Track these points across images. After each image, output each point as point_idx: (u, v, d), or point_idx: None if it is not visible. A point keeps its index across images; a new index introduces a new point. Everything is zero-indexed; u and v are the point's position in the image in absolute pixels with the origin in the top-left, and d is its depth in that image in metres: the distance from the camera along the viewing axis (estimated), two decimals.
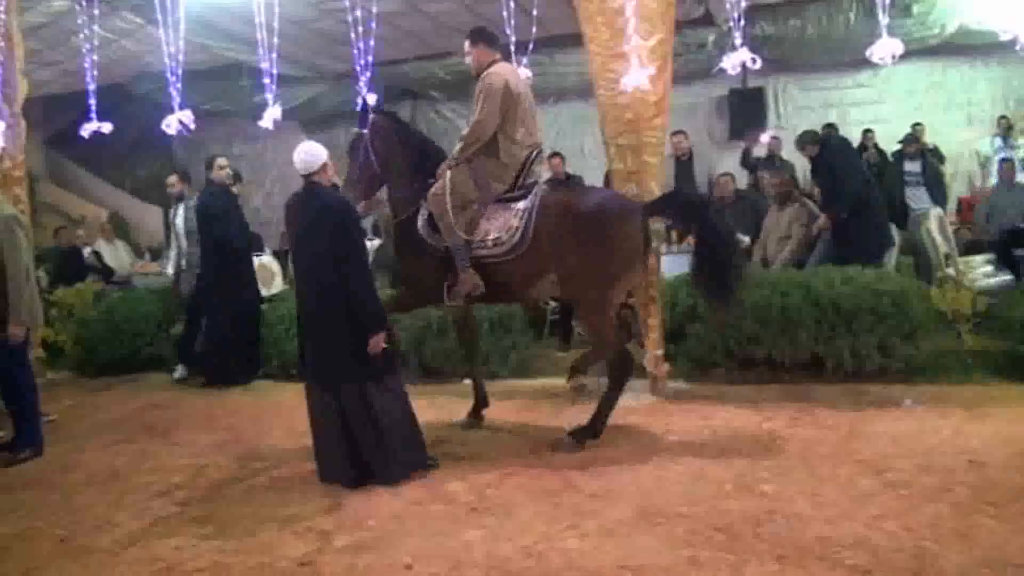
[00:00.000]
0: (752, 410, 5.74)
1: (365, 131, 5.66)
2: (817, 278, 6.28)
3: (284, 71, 11.69)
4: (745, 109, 12.81)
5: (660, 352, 6.11)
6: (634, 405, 5.98)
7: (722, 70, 5.81)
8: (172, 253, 8.47)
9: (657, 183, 5.91)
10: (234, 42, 10.00)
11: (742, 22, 5.80)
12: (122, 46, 9.86)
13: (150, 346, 8.32)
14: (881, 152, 11.67)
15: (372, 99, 7.74)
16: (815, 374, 6.27)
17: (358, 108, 6.07)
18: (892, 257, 7.52)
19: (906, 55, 12.56)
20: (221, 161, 7.81)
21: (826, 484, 4.40)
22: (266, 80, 7.35)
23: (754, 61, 5.77)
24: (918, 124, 11.95)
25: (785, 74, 13.21)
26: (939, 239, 8.03)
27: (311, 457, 5.11)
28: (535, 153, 5.55)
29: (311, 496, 4.72)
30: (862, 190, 7.31)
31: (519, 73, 5.59)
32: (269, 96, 7.39)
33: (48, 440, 6.14)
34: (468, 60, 5.57)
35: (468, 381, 6.84)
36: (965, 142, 12.60)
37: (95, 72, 7.95)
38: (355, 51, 7.38)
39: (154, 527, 4.50)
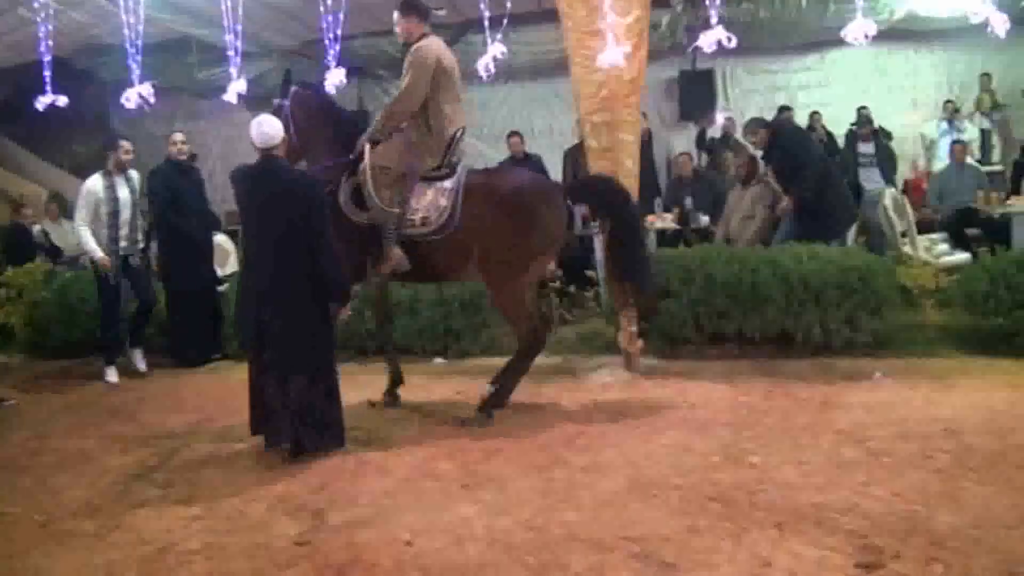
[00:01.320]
0: (726, 384, 5.82)
1: (286, 102, 5.56)
2: (784, 255, 6.38)
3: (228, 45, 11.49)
4: (694, 91, 12.90)
5: (634, 329, 6.14)
6: (610, 381, 6.04)
7: (698, 48, 5.83)
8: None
9: (633, 160, 5.93)
10: (183, 14, 9.72)
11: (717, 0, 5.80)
12: (71, 17, 9.52)
13: None
14: (829, 134, 11.89)
15: (340, 74, 7.59)
16: (784, 349, 6.38)
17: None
18: (850, 235, 7.68)
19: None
20: (175, 136, 7.58)
21: (810, 454, 4.48)
22: (230, 52, 7.18)
23: (729, 40, 5.80)
24: (864, 107, 12.15)
25: (734, 57, 13.26)
26: (895, 217, 8.21)
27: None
28: (460, 132, 5.53)
29: (296, 475, 4.65)
30: (820, 168, 7.44)
31: (448, 50, 5.53)
32: (233, 70, 7.24)
33: (11, 424, 5.97)
34: (397, 31, 5.51)
35: (438, 360, 6.88)
36: (909, 125, 12.86)
37: (46, 44, 7.58)
38: (324, 23, 7.17)
39: (138, 509, 4.38)
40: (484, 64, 6.71)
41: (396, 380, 5.94)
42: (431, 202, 5.32)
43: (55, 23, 8.80)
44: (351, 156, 5.48)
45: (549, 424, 5.22)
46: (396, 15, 5.49)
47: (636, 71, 5.83)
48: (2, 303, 8.50)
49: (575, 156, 9.27)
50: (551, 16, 10.92)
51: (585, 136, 6.02)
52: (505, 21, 7.38)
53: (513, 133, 9.95)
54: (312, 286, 4.83)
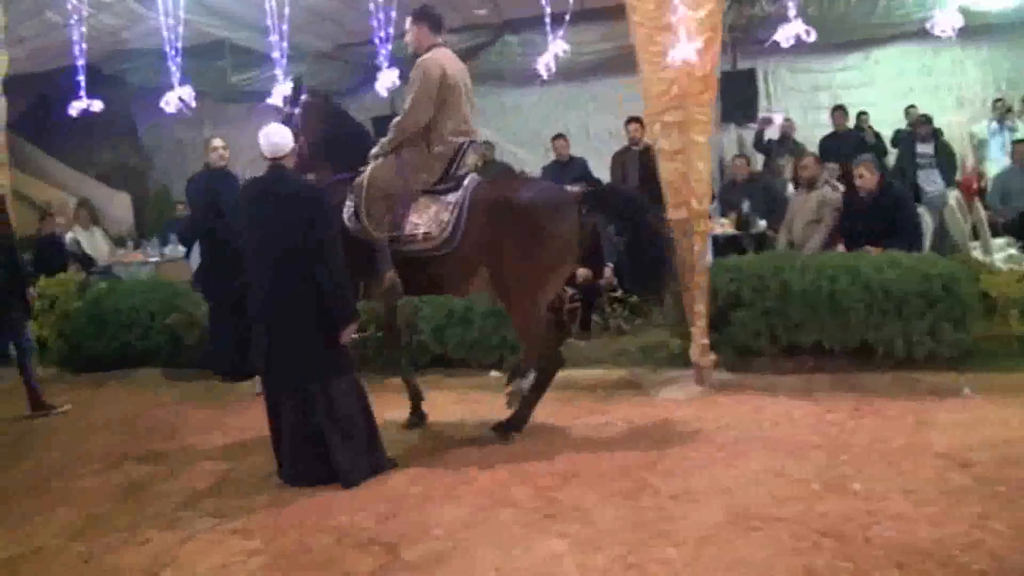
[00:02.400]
0: (808, 401, 5.45)
1: (296, 111, 5.37)
2: (864, 262, 5.99)
3: (264, 49, 11.19)
4: (736, 91, 12.49)
5: (706, 341, 5.78)
6: (681, 398, 5.69)
7: (775, 43, 5.51)
8: None
9: (705, 162, 5.57)
10: (219, 17, 9.43)
11: None
12: (100, 21, 9.25)
13: (141, 340, 7.77)
14: (877, 135, 11.50)
15: (392, 75, 7.28)
16: (862, 362, 5.99)
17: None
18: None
19: (896, 38, 12.53)
20: (215, 142, 7.25)
21: (915, 481, 4.11)
22: (275, 54, 6.87)
23: (808, 33, 5.48)
24: (912, 107, 11.79)
25: (775, 56, 12.91)
26: (962, 220, 7.84)
27: None
28: (467, 144, 5.30)
29: (359, 504, 4.31)
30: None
31: (458, 61, 5.29)
32: (279, 71, 6.93)
33: (46, 442, 5.67)
34: (408, 39, 5.33)
35: (494, 373, 6.54)
36: (955, 125, 12.45)
37: (80, 47, 7.29)
38: (374, 21, 6.86)
39: (189, 543, 4.06)
40: (544, 62, 6.36)
41: (416, 400, 5.67)
42: (433, 217, 5.09)
43: (82, 28, 8.57)
44: (360, 170, 5.28)
45: (625, 445, 4.88)
46: (408, 21, 5.32)
47: (709, 68, 5.47)
48: (35, 315, 8.17)
49: (623, 159, 8.95)
50: (589, 16, 10.75)
51: (654, 137, 5.67)
52: (568, 17, 6.99)
53: (558, 136, 9.66)
54: (318, 302, 4.58)
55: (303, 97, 5.42)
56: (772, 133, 10.87)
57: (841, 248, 6.85)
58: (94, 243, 10.37)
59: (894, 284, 5.80)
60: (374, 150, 5.30)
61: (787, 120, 10.89)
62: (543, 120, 13.34)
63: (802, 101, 12.91)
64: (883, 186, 6.79)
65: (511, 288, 5.06)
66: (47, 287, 8.35)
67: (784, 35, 5.50)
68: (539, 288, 5.04)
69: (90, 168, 14.73)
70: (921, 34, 12.19)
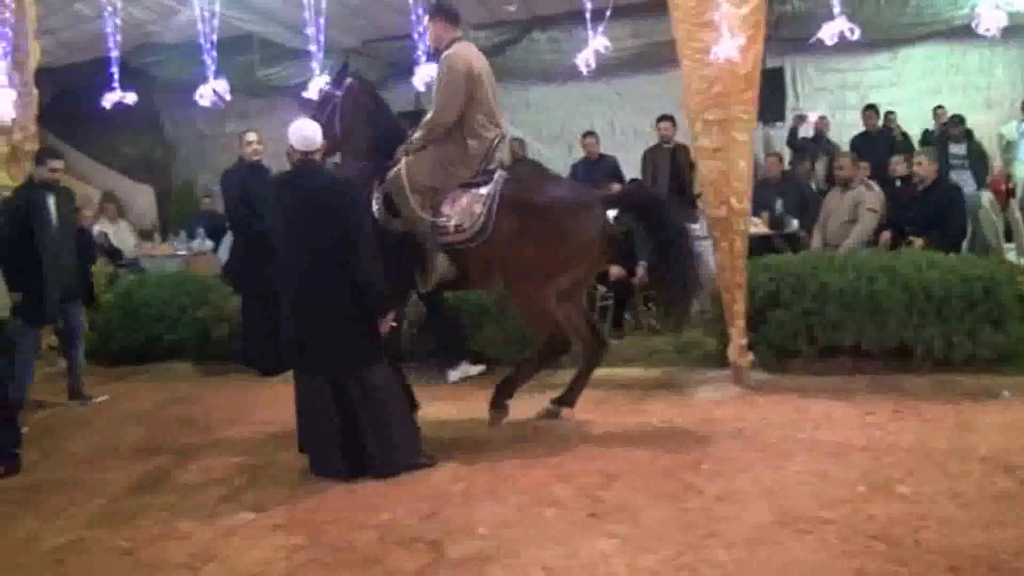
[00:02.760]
0: (847, 402, 5.39)
1: (338, 92, 5.32)
2: (903, 262, 5.93)
3: (294, 44, 11.17)
4: (763, 90, 12.39)
5: (744, 341, 5.73)
6: (719, 398, 5.64)
7: (803, 41, 5.46)
8: None
9: (746, 161, 5.51)
10: (249, 11, 9.41)
11: None
12: (129, 14, 9.23)
13: (171, 333, 7.75)
14: (904, 135, 11.39)
15: (431, 70, 7.22)
16: (899, 363, 5.92)
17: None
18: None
19: (925, 37, 12.40)
20: (249, 136, 7.23)
21: (961, 484, 4.05)
22: (311, 47, 6.84)
23: (852, 31, 5.42)
24: (940, 107, 11.69)
25: (803, 55, 12.82)
26: (997, 222, 7.76)
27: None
28: (498, 140, 5.29)
29: (401, 500, 4.27)
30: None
31: (481, 54, 5.25)
32: (315, 64, 6.90)
33: (77, 435, 5.67)
34: (428, 35, 5.32)
35: None
36: (983, 125, 12.33)
37: (114, 39, 7.27)
38: (415, 15, 6.83)
39: (230, 537, 4.03)
40: (584, 58, 6.30)
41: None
42: (466, 209, 5.08)
43: (116, 20, 8.56)
44: (387, 163, 5.26)
45: (666, 445, 4.82)
46: (426, 18, 5.32)
47: (751, 65, 5.42)
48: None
49: (654, 157, 8.89)
50: (617, 13, 10.67)
51: (695, 135, 5.61)
52: (609, 12, 6.93)
53: (588, 133, 9.60)
54: (353, 292, 4.59)
55: (348, 80, 5.37)
56: (806, 131, 10.77)
57: (887, 235, 6.82)
58: (120, 236, 10.36)
59: (934, 285, 5.74)
60: (404, 146, 5.25)
61: (821, 118, 10.77)
62: (567, 117, 13.29)
63: (829, 100, 12.80)
64: (938, 178, 6.80)
65: (515, 278, 5.10)
66: None
67: (827, 32, 5.46)
68: (546, 284, 5.03)
69: (113, 161, 14.76)
70: (949, 33, 12.25)
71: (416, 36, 7.19)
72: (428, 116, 5.20)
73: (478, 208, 5.04)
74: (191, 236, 10.60)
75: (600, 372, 5.64)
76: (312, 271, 4.59)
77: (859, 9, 10.94)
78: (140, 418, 6.32)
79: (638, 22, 10.50)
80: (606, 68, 12.18)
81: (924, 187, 6.82)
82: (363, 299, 4.59)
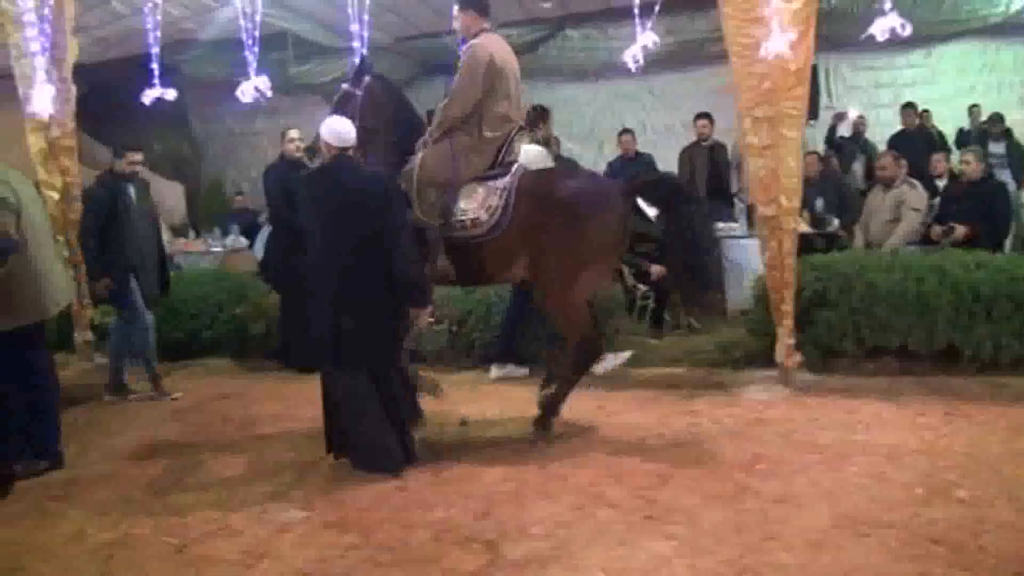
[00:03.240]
0: (896, 404, 5.31)
1: (358, 92, 5.27)
2: (951, 262, 5.85)
3: (326, 41, 11.15)
4: None
5: (792, 341, 5.66)
6: (766, 398, 5.57)
7: (871, 36, 5.39)
8: None
9: (795, 159, 5.43)
10: (285, 10, 9.39)
11: None
12: (165, 10, 9.23)
13: (209, 329, 7.75)
14: (940, 133, 11.28)
15: None
16: (946, 364, 5.85)
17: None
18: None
19: (960, 35, 12.25)
20: (291, 133, 7.17)
21: (1018, 488, 3.99)
22: (355, 43, 6.81)
23: (903, 27, 5.35)
24: (975, 106, 11.58)
25: (836, 52, 12.71)
26: None
27: (431, 452, 4.87)
28: (515, 131, 5.23)
29: (453, 499, 4.24)
30: None
31: (507, 46, 5.21)
32: (355, 59, 6.83)
33: (115, 430, 5.70)
34: (456, 26, 5.26)
35: None
36: (1018, 124, 12.17)
37: (154, 36, 7.25)
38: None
39: (282, 534, 4.01)
40: (632, 54, 6.23)
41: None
42: (482, 202, 5.03)
43: (157, 16, 8.55)
44: (407, 159, 5.23)
45: (717, 446, 4.76)
46: (455, 9, 5.25)
47: (802, 61, 5.34)
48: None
49: (692, 155, 8.83)
50: (647, 11, 10.60)
51: (744, 132, 5.54)
52: (657, 8, 6.86)
53: (625, 131, 9.52)
54: (390, 288, 4.63)
55: (367, 78, 5.32)
56: (844, 130, 10.66)
57: (938, 229, 6.75)
58: None
59: (983, 285, 5.67)
60: (423, 137, 5.22)
61: (860, 117, 10.64)
62: (598, 115, 13.25)
63: (862, 98, 12.67)
64: (986, 175, 6.77)
65: (547, 276, 5.00)
66: None
67: (879, 28, 5.38)
68: (577, 277, 4.96)
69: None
70: (984, 31, 12.10)
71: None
72: (442, 103, 5.16)
73: (494, 201, 4.99)
74: (225, 233, 10.61)
75: (645, 371, 5.62)
76: (353, 266, 4.60)
77: (895, 6, 10.88)
78: (181, 413, 6.31)
79: (672, 20, 10.39)
80: (639, 66, 12.20)
81: (971, 182, 6.78)
82: (400, 293, 4.63)
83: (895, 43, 11.92)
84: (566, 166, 8.93)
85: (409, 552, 3.71)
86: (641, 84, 12.81)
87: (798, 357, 5.69)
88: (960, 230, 6.68)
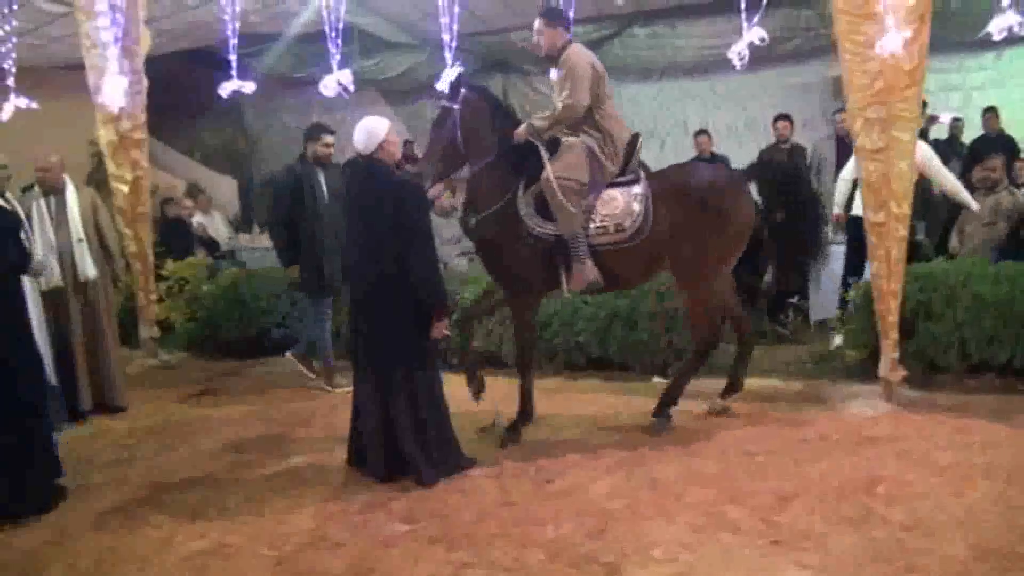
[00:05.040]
0: (1007, 424, 5.02)
1: (456, 106, 5.22)
2: None
3: (391, 36, 11.02)
4: None
5: (896, 355, 5.43)
6: (871, 413, 5.34)
7: (988, 34, 5.17)
8: None
9: (908, 163, 5.20)
10: (353, 3, 9.22)
11: None
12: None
13: (280, 328, 7.63)
14: (1010, 138, 10.93)
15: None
16: None
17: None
18: None
19: None
20: (328, 138, 6.69)
21: None
22: (444, 36, 6.65)
23: (1021, 25, 5.12)
24: None
25: None
26: None
27: (535, 461, 4.80)
28: (638, 137, 5.32)
29: (564, 515, 4.05)
30: None
31: (594, 55, 5.22)
32: (448, 55, 6.71)
33: (202, 430, 5.59)
34: (539, 39, 5.24)
35: (657, 379, 6.29)
36: None
37: (233, 27, 7.10)
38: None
39: (388, 548, 3.85)
40: (738, 51, 6.01)
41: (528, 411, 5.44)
42: (624, 208, 5.08)
43: (202, 11, 8.42)
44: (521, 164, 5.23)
45: (832, 464, 4.53)
46: (539, 23, 5.21)
47: (917, 60, 5.10)
48: (162, 297, 8.11)
49: (771, 157, 8.59)
50: (717, 8, 10.36)
51: (855, 134, 5.30)
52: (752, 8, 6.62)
53: (701, 132, 9.41)
54: (406, 295, 4.57)
55: (463, 92, 5.27)
56: (939, 133, 10.31)
57: None
58: (215, 227, 10.30)
59: None
60: (524, 128, 5.15)
61: (955, 120, 10.29)
62: (661, 114, 12.99)
63: (932, 102, 12.33)
64: None
65: (693, 272, 5.12)
66: (177, 270, 8.30)
67: (996, 26, 5.16)
68: (719, 267, 5.16)
69: (195, 151, 14.75)
70: None
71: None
72: (556, 111, 5.12)
73: (636, 206, 5.05)
74: None
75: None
76: (371, 271, 4.60)
77: (970, 6, 10.57)
78: (262, 415, 6.17)
79: (737, 19, 10.17)
80: (704, 65, 11.98)
81: None
82: (419, 301, 4.56)
83: (967, 45, 11.76)
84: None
85: (525, 571, 3.55)
86: (705, 83, 12.60)
87: (902, 372, 5.45)
88: None
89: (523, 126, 5.17)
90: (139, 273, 7.72)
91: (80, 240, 6.04)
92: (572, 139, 5.17)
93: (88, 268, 6.07)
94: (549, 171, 5.01)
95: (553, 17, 5.28)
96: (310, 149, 6.56)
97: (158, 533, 4.19)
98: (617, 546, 3.71)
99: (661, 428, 5.21)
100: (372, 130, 4.62)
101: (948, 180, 6.80)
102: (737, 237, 5.12)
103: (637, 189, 5.09)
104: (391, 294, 4.55)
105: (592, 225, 5.07)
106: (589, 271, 5.01)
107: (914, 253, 7.14)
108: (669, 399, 5.32)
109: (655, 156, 11.65)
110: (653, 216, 5.04)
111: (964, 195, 6.80)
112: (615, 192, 5.12)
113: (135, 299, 7.80)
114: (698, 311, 5.22)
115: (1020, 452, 4.62)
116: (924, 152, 6.54)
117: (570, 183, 4.99)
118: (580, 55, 5.08)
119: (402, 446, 4.57)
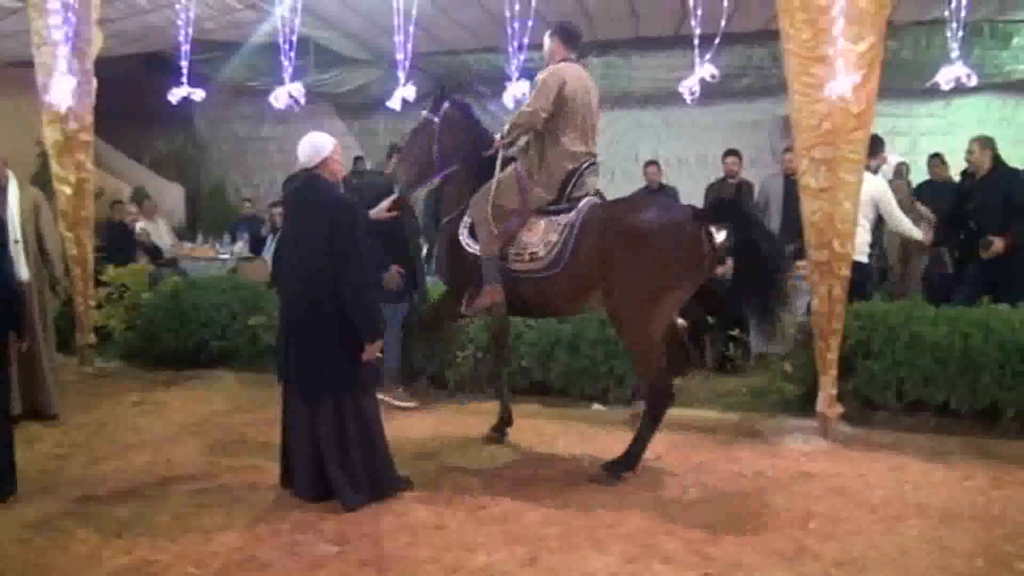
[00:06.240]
0: (942, 464, 5.11)
1: (436, 119, 5.32)
2: (996, 318, 5.69)
3: (347, 52, 10.97)
4: None
5: (834, 392, 5.49)
6: (808, 449, 5.38)
7: (936, 83, 5.27)
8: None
9: (852, 203, 5.28)
10: (310, 16, 9.18)
11: (960, 33, 5.21)
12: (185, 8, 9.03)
13: (220, 340, 7.49)
14: (956, 185, 11.17)
15: (524, 87, 7.07)
16: (987, 423, 5.68)
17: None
18: None
19: (978, 88, 12.24)
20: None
21: None
22: (398, 56, 6.63)
23: (968, 77, 5.24)
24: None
25: None
26: None
27: (470, 487, 4.72)
28: (587, 164, 5.16)
29: (495, 542, 4.02)
30: None
31: (584, 78, 5.15)
32: (401, 74, 6.69)
33: (135, 444, 5.41)
34: (545, 51, 5.31)
35: (596, 406, 6.28)
36: None
37: (186, 33, 7.04)
38: (509, 29, 6.62)
39: (316, 570, 3.78)
40: (689, 86, 6.09)
41: (505, 420, 5.62)
42: (541, 237, 5.02)
43: (160, 16, 8.32)
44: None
45: (765, 498, 4.57)
46: (546, 34, 5.31)
47: (865, 104, 5.20)
48: (102, 304, 7.94)
49: (717, 191, 8.67)
50: (673, 42, 10.47)
51: (801, 173, 5.38)
52: (697, 41, 6.71)
53: (651, 162, 9.40)
54: (339, 316, 4.43)
55: (446, 105, 5.33)
56: (885, 174, 10.49)
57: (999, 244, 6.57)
58: (159, 234, 10.12)
59: None
60: (497, 142, 5.21)
61: (901, 163, 10.46)
62: (612, 144, 13.02)
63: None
64: (993, 168, 6.74)
65: (623, 310, 4.82)
66: (117, 277, 8.13)
67: (944, 77, 5.26)
68: (652, 308, 4.75)
69: (145, 157, 14.53)
70: (1005, 87, 12.08)
71: (511, 50, 6.95)
72: (513, 115, 5.16)
73: (554, 237, 4.96)
74: (233, 239, 10.35)
75: (675, 412, 5.42)
76: (303, 289, 4.49)
77: (923, 55, 10.82)
78: (197, 429, 6.02)
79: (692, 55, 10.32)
80: (657, 97, 12.10)
81: (982, 177, 6.75)
82: (352, 323, 4.44)
83: (918, 92, 12.04)
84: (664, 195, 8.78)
85: None
86: (657, 115, 12.76)
87: (840, 408, 5.51)
88: (998, 243, 6.50)
89: (497, 135, 5.23)
90: (78, 278, 7.56)
91: (16, 241, 5.88)
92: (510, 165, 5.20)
93: (21, 271, 5.90)
94: (480, 193, 5.08)
95: (557, 30, 5.28)
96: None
97: (84, 548, 4.07)
98: (550, 575, 3.68)
99: (606, 481, 4.81)
100: (317, 145, 4.57)
101: (900, 220, 6.87)
102: (669, 278, 4.74)
103: (563, 219, 4.98)
104: (323, 314, 4.42)
105: (511, 251, 5.05)
106: (487, 296, 5.01)
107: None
108: (624, 465, 4.87)
109: (605, 185, 11.69)
110: (576, 247, 4.86)
111: (915, 232, 6.92)
112: (541, 221, 5.05)
113: (73, 304, 7.63)
114: (637, 357, 4.92)
115: (953, 492, 4.69)
116: (880, 188, 6.64)
117: (498, 207, 5.03)
118: (556, 73, 5.02)
119: (327, 468, 4.48)
